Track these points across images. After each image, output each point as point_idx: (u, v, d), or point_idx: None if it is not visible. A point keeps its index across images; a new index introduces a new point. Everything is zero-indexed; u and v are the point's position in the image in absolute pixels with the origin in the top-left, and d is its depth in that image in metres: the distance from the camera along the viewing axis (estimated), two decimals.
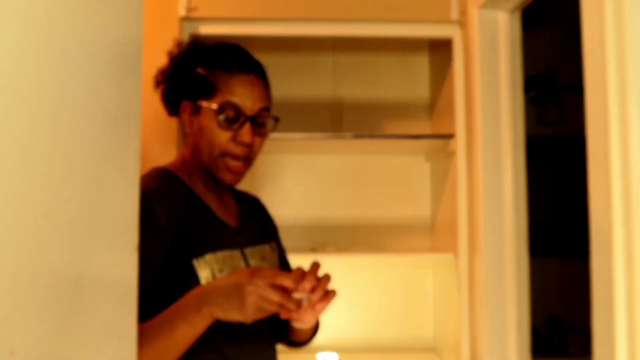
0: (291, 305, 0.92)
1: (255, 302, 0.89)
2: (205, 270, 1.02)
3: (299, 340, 1.24)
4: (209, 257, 1.04)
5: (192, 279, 1.00)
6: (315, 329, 1.25)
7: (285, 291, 0.92)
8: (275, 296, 0.90)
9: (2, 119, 0.42)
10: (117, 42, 0.62)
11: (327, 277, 0.97)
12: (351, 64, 2.29)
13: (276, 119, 1.16)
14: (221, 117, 1.08)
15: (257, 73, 1.13)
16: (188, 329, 0.91)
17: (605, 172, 1.00)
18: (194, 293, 0.94)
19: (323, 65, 2.28)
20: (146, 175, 1.11)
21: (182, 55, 1.16)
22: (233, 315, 0.91)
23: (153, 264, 0.97)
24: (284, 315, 0.94)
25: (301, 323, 1.08)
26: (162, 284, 0.98)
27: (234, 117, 1.08)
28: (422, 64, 2.32)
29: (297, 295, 0.94)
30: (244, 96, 1.09)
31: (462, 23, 1.80)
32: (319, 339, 1.29)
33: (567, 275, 2.40)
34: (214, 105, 1.08)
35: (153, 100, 1.17)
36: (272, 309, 0.91)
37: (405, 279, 2.23)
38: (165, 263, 0.99)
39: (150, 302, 0.91)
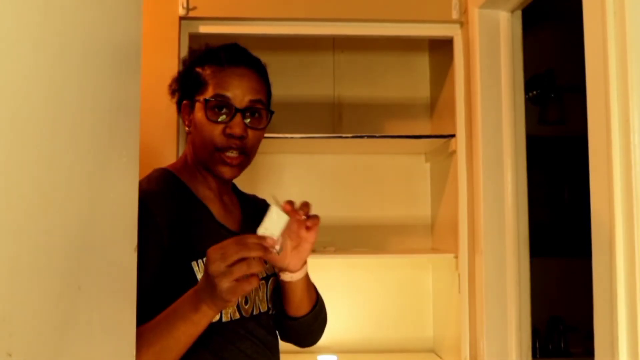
0: (255, 252, 0.86)
1: (221, 275, 0.85)
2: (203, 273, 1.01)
3: (298, 313, 1.15)
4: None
5: (191, 282, 0.99)
6: (315, 304, 1.17)
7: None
8: (232, 250, 0.85)
9: (1, 119, 0.42)
10: (116, 41, 0.62)
11: (306, 204, 1.02)
12: (351, 64, 2.29)
13: (270, 112, 1.14)
14: (210, 110, 1.07)
15: (250, 66, 1.12)
16: (189, 327, 0.91)
17: (606, 172, 1.00)
18: (189, 293, 0.93)
19: (323, 65, 2.27)
20: (147, 176, 1.11)
21: (188, 60, 1.17)
22: (219, 303, 0.88)
23: (151, 265, 0.96)
24: (258, 266, 0.86)
25: (290, 273, 1.06)
26: (161, 286, 0.97)
27: (224, 110, 1.08)
28: (422, 63, 2.31)
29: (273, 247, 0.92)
30: (233, 88, 1.08)
31: (463, 23, 1.80)
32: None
33: (568, 276, 2.40)
34: (203, 99, 1.08)
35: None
36: (240, 269, 0.85)
37: (406, 279, 2.23)
38: (163, 265, 0.99)
39: (149, 304, 0.91)
